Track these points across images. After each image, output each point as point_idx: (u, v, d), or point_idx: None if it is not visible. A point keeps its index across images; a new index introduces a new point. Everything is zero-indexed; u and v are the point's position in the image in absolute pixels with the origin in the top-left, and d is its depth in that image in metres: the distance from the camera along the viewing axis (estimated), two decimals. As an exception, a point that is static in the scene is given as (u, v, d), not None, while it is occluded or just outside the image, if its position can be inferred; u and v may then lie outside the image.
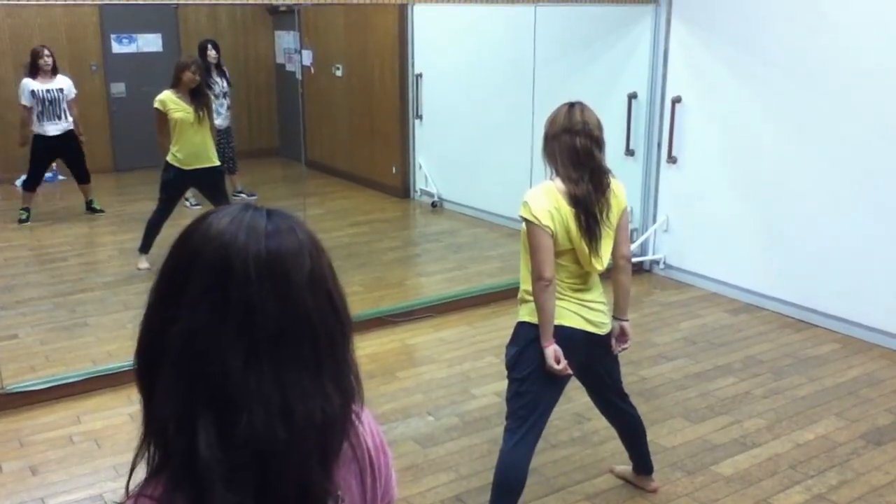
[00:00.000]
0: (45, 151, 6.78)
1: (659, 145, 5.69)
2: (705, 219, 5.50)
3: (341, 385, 0.95)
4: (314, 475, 0.91)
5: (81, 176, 7.02)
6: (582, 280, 2.82)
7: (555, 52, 6.01)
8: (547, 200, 2.67)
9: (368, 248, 6.45)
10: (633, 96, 5.73)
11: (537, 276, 2.68)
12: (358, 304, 5.04)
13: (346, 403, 0.96)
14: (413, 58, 7.61)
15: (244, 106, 9.15)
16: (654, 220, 5.82)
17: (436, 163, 7.53)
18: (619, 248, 2.92)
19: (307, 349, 0.91)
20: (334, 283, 0.97)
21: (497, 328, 4.80)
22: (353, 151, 8.65)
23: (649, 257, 5.85)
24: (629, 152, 5.83)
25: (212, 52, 7.05)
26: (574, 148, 2.69)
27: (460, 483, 3.27)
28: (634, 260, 5.79)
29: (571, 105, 2.81)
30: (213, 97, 6.76)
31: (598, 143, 2.76)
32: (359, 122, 8.48)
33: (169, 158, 5.53)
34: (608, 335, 2.90)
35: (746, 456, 3.44)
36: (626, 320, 2.99)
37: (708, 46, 5.28)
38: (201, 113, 5.49)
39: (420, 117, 7.62)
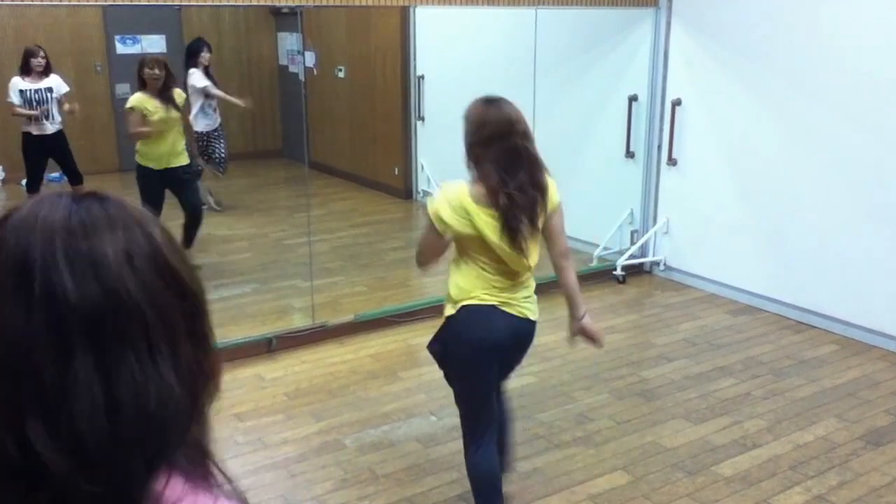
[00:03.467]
0: (36, 151, 6.67)
1: (659, 147, 5.71)
2: (705, 221, 5.52)
3: (185, 371, 0.82)
4: (136, 477, 0.79)
5: (72, 177, 6.91)
6: (509, 279, 2.63)
7: (556, 55, 6.04)
8: (456, 200, 2.52)
9: (371, 249, 6.48)
10: (633, 98, 5.76)
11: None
12: (361, 305, 5.07)
13: (193, 393, 0.83)
14: (415, 59, 7.64)
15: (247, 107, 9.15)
16: (655, 222, 5.85)
17: (438, 164, 7.56)
18: (555, 247, 2.79)
19: (135, 335, 0.80)
20: (171, 257, 0.84)
21: (499, 329, 4.83)
22: (356, 153, 8.68)
23: (649, 259, 5.88)
24: (629, 154, 5.86)
25: (205, 55, 6.93)
26: (511, 150, 2.53)
27: (462, 483, 3.28)
28: (635, 261, 5.82)
29: (490, 101, 2.60)
30: (204, 96, 6.79)
31: (529, 137, 2.61)
32: (361, 124, 8.51)
33: (141, 161, 5.40)
34: (533, 323, 2.73)
35: (747, 457, 3.47)
36: (584, 316, 2.84)
37: (708, 49, 5.31)
38: (170, 113, 5.35)
39: (422, 119, 7.65)
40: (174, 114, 5.38)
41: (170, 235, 0.85)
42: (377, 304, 5.00)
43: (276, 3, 7.16)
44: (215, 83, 7.01)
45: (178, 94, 5.56)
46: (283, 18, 9.17)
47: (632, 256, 5.81)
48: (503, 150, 2.52)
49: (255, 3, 4.41)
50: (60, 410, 0.77)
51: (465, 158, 2.59)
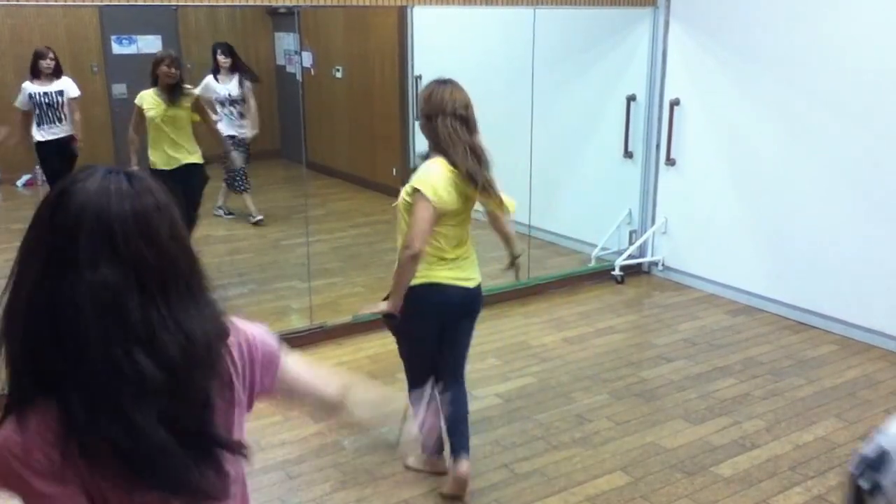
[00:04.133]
0: (50, 154, 6.52)
1: (657, 147, 5.71)
2: (704, 221, 5.52)
3: (214, 311, 1.19)
4: (208, 383, 1.15)
5: None
6: (458, 243, 3.03)
7: (554, 55, 6.03)
8: (443, 175, 2.89)
9: (370, 250, 6.46)
10: (631, 98, 5.75)
11: (407, 246, 2.88)
12: (359, 305, 5.04)
13: (222, 325, 1.21)
14: (413, 60, 7.62)
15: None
16: (653, 222, 5.84)
17: (435, 164, 7.55)
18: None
19: (183, 286, 1.12)
20: (183, 230, 1.16)
21: (498, 330, 4.83)
22: (354, 153, 8.67)
23: (648, 259, 5.87)
24: (628, 154, 5.85)
25: (221, 58, 6.80)
26: (450, 127, 2.90)
27: (462, 484, 3.28)
28: (634, 261, 5.82)
29: (443, 83, 2.98)
30: (218, 103, 6.66)
31: (467, 122, 2.95)
32: (359, 124, 8.49)
33: (149, 161, 5.40)
34: (478, 289, 3.11)
35: (746, 457, 3.46)
36: (519, 256, 3.35)
37: (706, 49, 5.30)
38: (173, 111, 5.31)
39: (419, 119, 7.64)
40: (178, 112, 5.33)
41: (179, 214, 1.16)
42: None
43: (273, 3, 7.13)
44: (239, 83, 6.80)
45: (188, 96, 5.47)
46: (280, 18, 9.15)
47: (630, 256, 5.80)
48: (446, 126, 2.92)
49: (252, 4, 4.39)
50: (153, 340, 1.07)
51: (422, 129, 2.99)
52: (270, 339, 1.36)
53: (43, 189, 8.10)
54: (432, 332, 3.09)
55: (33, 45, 8.43)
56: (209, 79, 6.76)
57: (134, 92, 8.38)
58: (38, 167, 8.26)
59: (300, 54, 8.40)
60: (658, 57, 5.57)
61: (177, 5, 8.52)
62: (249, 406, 1.31)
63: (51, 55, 6.49)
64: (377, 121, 8.20)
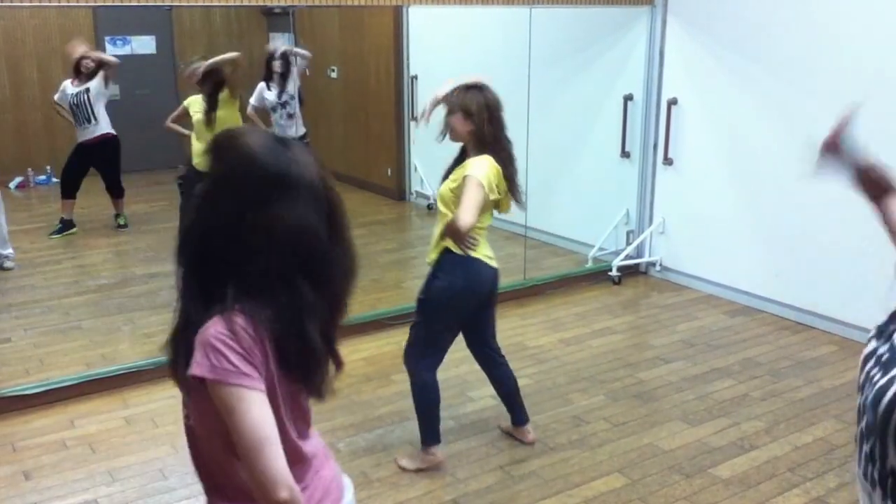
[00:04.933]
0: (78, 159, 6.51)
1: (655, 147, 5.68)
2: (702, 221, 5.49)
3: (351, 250, 1.53)
4: (345, 309, 1.53)
5: (113, 188, 6.74)
6: (485, 230, 3.27)
7: (550, 54, 6.00)
8: (493, 169, 3.15)
9: (364, 251, 6.34)
10: (628, 98, 5.72)
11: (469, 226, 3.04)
12: (354, 307, 4.93)
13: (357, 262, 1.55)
14: (408, 59, 7.60)
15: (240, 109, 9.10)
16: (651, 223, 5.81)
17: (431, 165, 7.52)
18: None
19: (341, 226, 1.47)
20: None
21: (494, 331, 4.79)
22: (349, 153, 8.63)
23: (645, 259, 5.84)
24: (625, 154, 5.82)
25: (277, 62, 6.61)
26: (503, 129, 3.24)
27: (457, 487, 3.25)
28: (631, 262, 5.80)
29: (479, 87, 3.24)
30: (271, 112, 6.60)
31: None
32: (354, 124, 8.45)
33: (193, 160, 5.60)
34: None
35: (745, 459, 3.43)
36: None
37: (704, 48, 5.27)
38: (213, 114, 5.56)
39: (416, 119, 7.60)
40: (214, 116, 5.54)
41: None
42: (370, 307, 4.95)
43: (268, 4, 7.09)
44: (280, 91, 6.65)
45: (225, 97, 5.63)
46: (275, 19, 9.11)
47: (628, 257, 5.77)
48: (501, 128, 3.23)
49: (247, 4, 4.36)
50: (323, 272, 1.42)
51: (480, 133, 3.16)
52: None
53: (35, 191, 8.08)
54: (472, 308, 3.32)
55: (27, 46, 8.43)
56: (262, 86, 6.63)
57: (127, 93, 8.42)
58: (30, 170, 8.24)
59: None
60: (655, 56, 5.54)
61: (171, 6, 8.49)
62: None
63: (92, 56, 6.46)
64: (372, 121, 8.17)
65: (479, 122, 3.13)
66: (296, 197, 1.36)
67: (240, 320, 1.35)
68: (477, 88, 3.19)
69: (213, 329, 1.34)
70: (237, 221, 1.35)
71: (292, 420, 1.50)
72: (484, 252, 3.20)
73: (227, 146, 1.41)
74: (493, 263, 3.25)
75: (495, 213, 3.29)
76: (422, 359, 3.30)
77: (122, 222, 6.91)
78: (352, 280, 1.49)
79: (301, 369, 1.44)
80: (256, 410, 1.33)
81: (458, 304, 3.23)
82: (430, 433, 3.33)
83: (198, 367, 1.34)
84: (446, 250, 3.17)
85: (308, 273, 1.39)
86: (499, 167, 3.13)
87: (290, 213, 1.36)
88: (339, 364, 1.55)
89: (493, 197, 3.11)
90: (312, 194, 1.39)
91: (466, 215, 2.97)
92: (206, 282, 1.38)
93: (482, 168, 3.09)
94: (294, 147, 1.42)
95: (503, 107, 3.21)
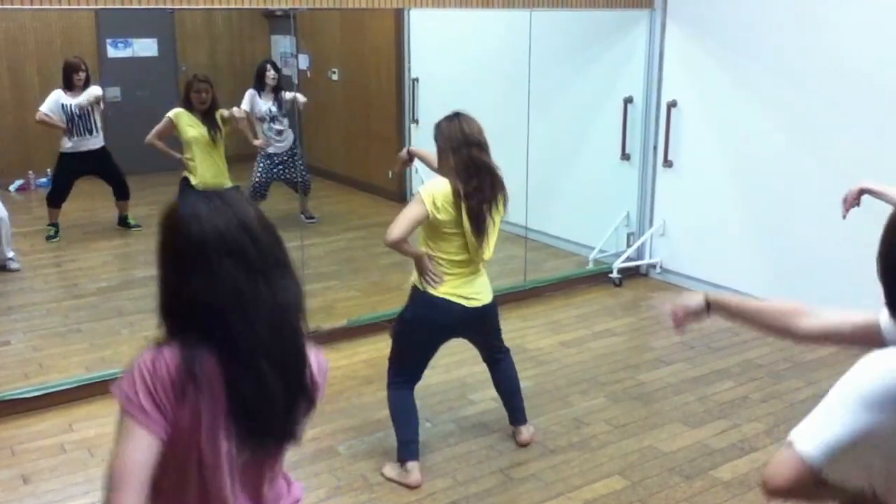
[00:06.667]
0: (71, 168, 6.48)
1: (655, 149, 5.67)
2: (702, 223, 5.48)
3: (297, 285, 1.52)
4: (300, 340, 1.52)
5: (120, 192, 6.76)
6: (464, 267, 3.20)
7: (550, 57, 5.99)
8: (446, 191, 3.09)
9: (365, 253, 6.42)
10: (628, 100, 5.72)
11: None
12: (354, 309, 5.01)
13: (302, 298, 1.54)
14: (409, 62, 7.59)
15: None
16: (651, 225, 5.80)
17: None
18: None
19: (278, 267, 1.48)
20: (271, 224, 1.51)
21: (494, 333, 4.78)
22: (350, 156, 8.63)
23: (646, 261, 5.83)
24: (625, 157, 5.82)
25: (270, 73, 6.63)
26: (471, 158, 3.09)
27: (457, 490, 3.24)
28: (632, 264, 5.79)
29: (456, 116, 3.17)
30: (259, 121, 6.57)
31: (485, 147, 3.15)
32: (355, 127, 8.45)
33: (190, 178, 5.67)
34: (487, 307, 3.28)
35: (745, 460, 3.43)
36: None
37: (704, 50, 5.27)
38: (214, 133, 5.62)
39: (416, 121, 7.59)
40: (216, 135, 5.59)
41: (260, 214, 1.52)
42: (371, 309, 4.94)
43: (270, 6, 7.09)
44: (279, 102, 6.66)
45: (220, 115, 5.69)
46: (277, 21, 9.12)
47: (628, 259, 5.77)
48: (468, 157, 3.09)
49: (249, 6, 4.37)
50: (252, 309, 1.43)
51: (441, 161, 3.17)
52: (327, 364, 1.66)
53: (35, 194, 8.08)
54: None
55: (28, 48, 8.43)
56: (253, 94, 6.61)
57: (128, 96, 8.43)
58: (31, 172, 8.23)
59: (296, 57, 8.38)
60: (655, 59, 5.54)
61: (173, 8, 8.49)
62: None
63: (83, 67, 6.43)
64: (373, 123, 8.16)
65: (442, 153, 3.17)
66: (207, 263, 1.42)
67: (167, 355, 1.39)
68: (446, 120, 3.21)
69: (142, 356, 1.41)
70: (171, 281, 1.47)
71: (240, 476, 1.49)
72: (452, 290, 3.17)
73: (162, 221, 1.51)
74: (464, 302, 3.19)
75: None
76: (394, 375, 3.36)
77: (132, 223, 6.91)
78: (292, 314, 1.49)
79: (261, 414, 1.43)
80: (130, 448, 1.36)
81: (421, 336, 3.28)
82: (400, 447, 3.32)
83: (116, 387, 1.41)
84: (414, 282, 3.25)
85: (244, 317, 1.42)
86: (451, 192, 3.06)
87: (207, 280, 1.42)
88: (310, 403, 1.54)
89: (440, 217, 3.06)
90: (226, 250, 1.42)
91: (393, 228, 3.04)
92: (163, 312, 1.49)
93: (429, 185, 3.12)
94: (216, 206, 1.46)
95: (468, 133, 3.13)
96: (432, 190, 3.08)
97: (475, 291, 3.23)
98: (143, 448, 1.36)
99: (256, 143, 6.55)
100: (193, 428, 1.40)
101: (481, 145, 3.12)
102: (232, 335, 1.41)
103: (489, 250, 3.17)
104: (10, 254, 5.78)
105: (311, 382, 1.53)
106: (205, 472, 1.44)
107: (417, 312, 3.23)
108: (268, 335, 1.43)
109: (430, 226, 3.13)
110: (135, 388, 1.37)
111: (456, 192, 3.05)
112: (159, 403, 1.37)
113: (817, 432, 1.34)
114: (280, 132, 6.74)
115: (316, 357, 1.58)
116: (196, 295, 1.42)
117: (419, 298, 3.21)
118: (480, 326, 3.36)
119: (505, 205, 3.22)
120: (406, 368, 3.35)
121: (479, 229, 3.10)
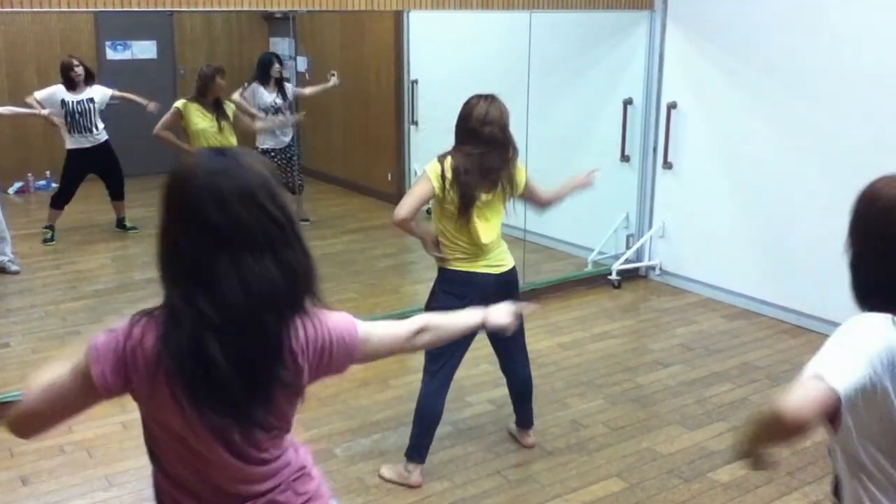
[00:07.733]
0: (78, 166, 6.49)
1: (654, 151, 5.67)
2: (701, 224, 5.48)
3: (284, 269, 1.41)
4: (270, 325, 1.40)
5: (116, 192, 6.74)
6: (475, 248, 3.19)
7: (550, 59, 5.99)
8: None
9: (363, 256, 6.42)
10: (628, 102, 5.72)
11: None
12: (352, 312, 4.93)
13: (292, 282, 1.43)
14: (409, 64, 7.59)
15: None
16: (650, 226, 5.80)
17: (431, 169, 7.51)
18: (539, 199, 3.42)
19: (250, 244, 1.38)
20: (266, 198, 1.41)
21: (492, 335, 4.78)
22: (349, 158, 8.63)
23: (645, 263, 5.83)
24: (624, 158, 5.82)
25: (275, 66, 6.70)
26: (478, 138, 3.11)
27: (454, 492, 3.24)
28: (631, 266, 5.79)
29: (483, 98, 3.21)
30: (262, 113, 6.55)
31: (496, 129, 3.17)
32: (354, 129, 8.46)
33: None
34: (511, 271, 3.28)
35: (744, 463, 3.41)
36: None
37: (704, 52, 5.27)
38: (223, 123, 5.61)
39: (416, 124, 7.60)
40: (224, 125, 5.60)
41: (265, 182, 1.43)
42: (368, 311, 4.94)
43: (269, 8, 7.09)
44: (283, 95, 6.71)
45: (229, 107, 5.67)
46: (276, 23, 9.13)
47: (627, 261, 5.76)
48: (475, 137, 3.10)
49: (248, 9, 4.37)
50: (214, 287, 1.37)
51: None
52: (349, 328, 1.59)
53: (35, 196, 8.09)
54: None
55: (27, 51, 8.42)
56: (257, 86, 6.63)
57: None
58: (30, 175, 8.24)
59: (295, 59, 8.38)
60: (655, 60, 5.54)
61: (172, 11, 8.49)
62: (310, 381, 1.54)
63: (76, 62, 6.43)
64: (372, 126, 8.16)
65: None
66: (177, 223, 1.41)
67: (122, 330, 1.44)
68: (475, 97, 3.23)
69: (128, 326, 1.47)
70: (162, 238, 1.46)
71: (227, 443, 1.47)
72: (471, 265, 3.18)
73: (166, 180, 1.49)
74: (489, 270, 3.20)
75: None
76: (428, 363, 3.30)
77: (129, 225, 6.90)
78: (263, 297, 1.39)
79: (213, 395, 1.38)
80: (57, 370, 1.49)
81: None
82: (411, 445, 3.28)
83: (92, 337, 1.48)
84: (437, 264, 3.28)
85: (200, 287, 1.38)
86: (452, 170, 3.07)
87: (172, 241, 1.43)
88: (287, 388, 1.47)
89: (445, 195, 3.09)
90: (201, 216, 1.38)
91: (399, 206, 3.10)
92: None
93: (434, 162, 3.12)
94: (220, 167, 1.42)
95: (483, 116, 3.14)
96: (438, 167, 3.09)
97: (497, 259, 3.23)
98: (63, 375, 1.48)
99: (257, 126, 6.49)
100: (163, 399, 1.41)
101: (493, 125, 3.11)
102: (176, 304, 1.38)
103: (485, 234, 3.13)
104: (9, 255, 5.78)
105: (288, 368, 1.44)
106: (188, 441, 1.45)
107: (444, 288, 3.22)
108: (217, 313, 1.35)
109: (438, 205, 3.16)
110: (97, 341, 1.44)
111: (455, 170, 3.06)
112: (124, 377, 1.42)
113: (848, 372, 1.37)
114: (283, 125, 6.75)
115: (315, 326, 1.50)
116: (163, 253, 1.44)
117: (443, 277, 3.23)
118: (510, 293, 3.15)
119: (513, 189, 3.20)
120: (436, 361, 3.25)
121: (466, 206, 3.08)
